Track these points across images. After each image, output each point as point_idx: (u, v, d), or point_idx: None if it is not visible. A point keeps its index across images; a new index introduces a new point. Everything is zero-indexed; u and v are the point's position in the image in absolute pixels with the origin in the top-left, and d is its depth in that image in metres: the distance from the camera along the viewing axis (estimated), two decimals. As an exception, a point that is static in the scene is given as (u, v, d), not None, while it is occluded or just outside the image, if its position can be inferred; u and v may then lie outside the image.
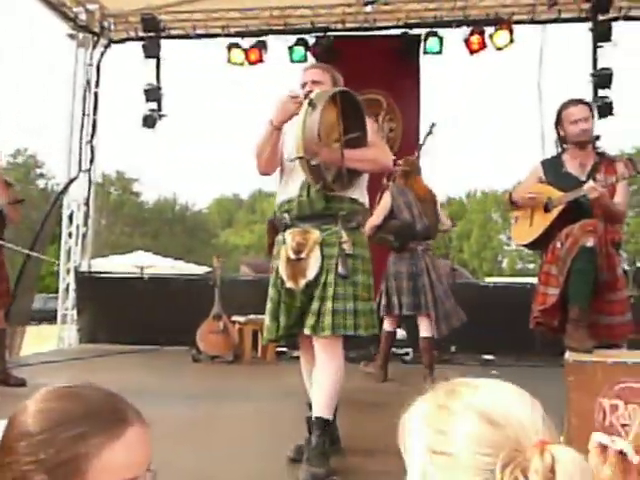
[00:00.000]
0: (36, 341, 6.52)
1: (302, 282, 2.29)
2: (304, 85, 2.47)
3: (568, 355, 2.29)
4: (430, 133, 4.73)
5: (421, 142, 4.86)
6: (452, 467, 0.65)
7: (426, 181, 4.61)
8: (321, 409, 2.26)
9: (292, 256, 2.30)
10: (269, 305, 2.41)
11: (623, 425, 2.06)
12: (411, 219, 4.31)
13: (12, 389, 3.90)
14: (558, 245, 2.54)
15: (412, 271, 4.29)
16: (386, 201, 4.36)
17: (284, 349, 5.58)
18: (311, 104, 2.21)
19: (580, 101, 2.80)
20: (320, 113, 2.18)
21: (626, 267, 7.57)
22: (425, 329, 4.33)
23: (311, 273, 2.28)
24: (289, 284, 2.31)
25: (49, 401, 0.80)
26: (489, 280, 14.10)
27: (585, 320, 2.42)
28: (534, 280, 2.94)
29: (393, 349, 5.89)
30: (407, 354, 5.81)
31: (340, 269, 2.25)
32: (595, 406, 2.09)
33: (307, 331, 2.30)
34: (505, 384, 0.73)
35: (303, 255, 2.28)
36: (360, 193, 2.46)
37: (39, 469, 0.74)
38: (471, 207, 36.88)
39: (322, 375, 2.30)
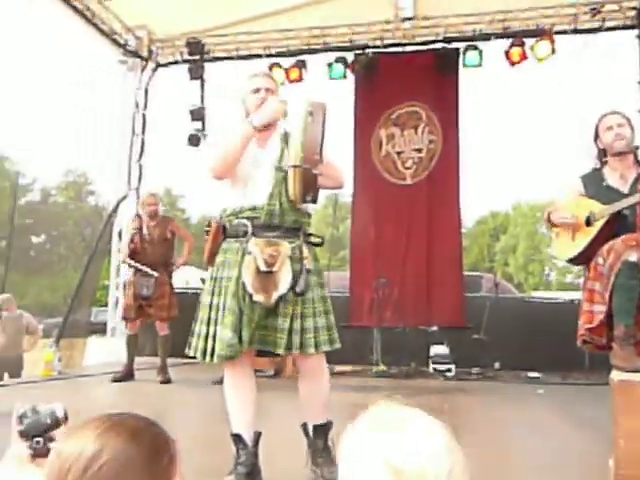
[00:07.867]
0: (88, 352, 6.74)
1: (275, 296, 2.20)
2: (258, 90, 2.37)
3: (614, 374, 2.23)
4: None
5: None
6: None
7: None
8: (322, 415, 2.36)
9: (263, 268, 2.19)
10: (228, 317, 2.20)
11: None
12: None
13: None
14: (600, 261, 2.48)
15: None
16: None
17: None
18: (311, 113, 2.16)
19: (615, 112, 2.78)
20: (322, 124, 2.15)
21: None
22: None
23: (284, 287, 2.20)
24: (258, 297, 2.19)
25: (108, 438, 0.77)
26: (535, 295, 13.72)
27: (631, 338, 2.35)
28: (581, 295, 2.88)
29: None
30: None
31: (300, 285, 2.22)
32: (643, 427, 2.02)
33: (280, 350, 2.24)
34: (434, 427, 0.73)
35: (275, 268, 2.20)
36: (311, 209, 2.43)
37: None
38: (517, 220, 36.01)
39: (316, 389, 2.37)
